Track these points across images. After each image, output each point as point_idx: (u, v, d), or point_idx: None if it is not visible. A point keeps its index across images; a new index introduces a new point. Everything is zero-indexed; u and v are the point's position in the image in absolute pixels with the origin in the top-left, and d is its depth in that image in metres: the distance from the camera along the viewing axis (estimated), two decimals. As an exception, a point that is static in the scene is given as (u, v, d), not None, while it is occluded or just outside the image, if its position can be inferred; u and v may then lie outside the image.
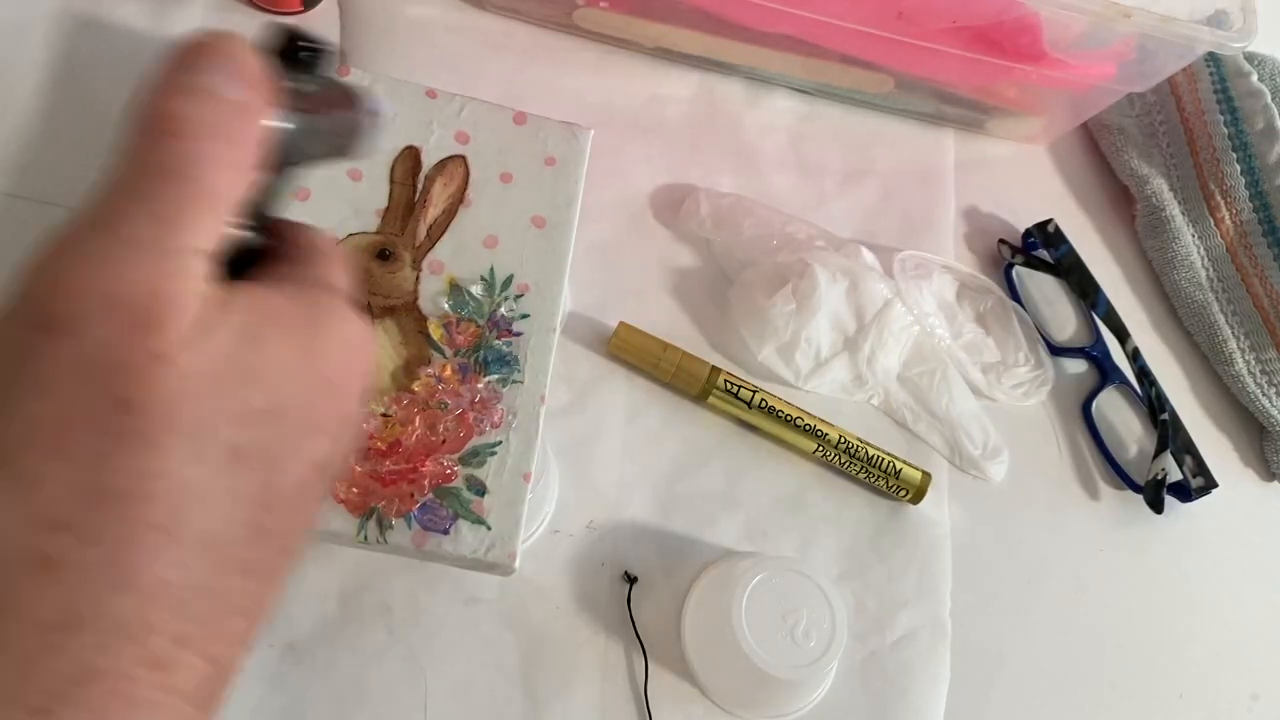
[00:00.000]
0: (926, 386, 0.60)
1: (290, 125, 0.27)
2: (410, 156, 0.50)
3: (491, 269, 0.49)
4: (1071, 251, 0.66)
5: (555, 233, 0.50)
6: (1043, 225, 0.66)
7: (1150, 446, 0.63)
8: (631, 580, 0.51)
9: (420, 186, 0.50)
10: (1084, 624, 0.58)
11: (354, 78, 0.51)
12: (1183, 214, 0.69)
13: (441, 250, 0.49)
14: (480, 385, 0.46)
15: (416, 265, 0.48)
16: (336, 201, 0.48)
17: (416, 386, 0.46)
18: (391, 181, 0.49)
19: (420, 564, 0.48)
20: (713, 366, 0.56)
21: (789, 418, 0.56)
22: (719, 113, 0.66)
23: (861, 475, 0.56)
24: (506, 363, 0.47)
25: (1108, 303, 0.65)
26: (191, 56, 0.25)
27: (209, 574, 0.24)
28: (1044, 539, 0.60)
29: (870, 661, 0.53)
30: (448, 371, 0.46)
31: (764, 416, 0.56)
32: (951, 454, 0.59)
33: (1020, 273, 0.66)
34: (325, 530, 0.42)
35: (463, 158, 0.51)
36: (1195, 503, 0.61)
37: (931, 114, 0.69)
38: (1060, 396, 0.64)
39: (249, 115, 0.25)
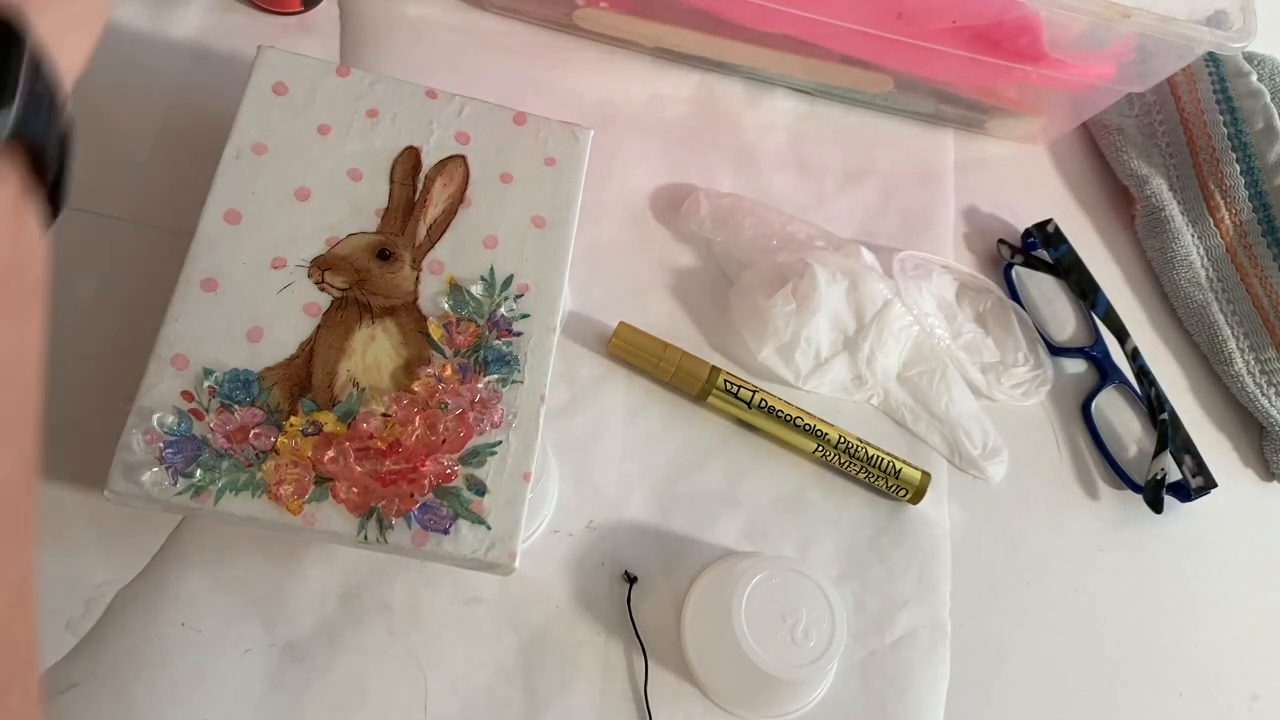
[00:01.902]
0: (926, 386, 0.60)
1: None
2: (410, 156, 0.50)
3: (491, 269, 0.49)
4: (1071, 251, 0.66)
5: (555, 233, 0.50)
6: (1042, 225, 0.66)
7: (1150, 446, 0.63)
8: (631, 580, 0.51)
9: (420, 186, 0.50)
10: (1084, 624, 0.58)
11: (354, 78, 0.51)
12: (1182, 214, 0.69)
13: (441, 250, 0.49)
14: (480, 385, 0.46)
15: (416, 265, 0.48)
16: (337, 201, 0.48)
17: (416, 386, 0.46)
18: (391, 181, 0.49)
19: (420, 564, 0.48)
20: (713, 366, 0.56)
21: (789, 417, 0.56)
22: (719, 113, 0.66)
23: (861, 475, 0.56)
24: (506, 363, 0.47)
25: (1107, 303, 0.65)
26: None
27: None
28: (1044, 539, 0.59)
29: (870, 661, 0.53)
30: (448, 371, 0.46)
31: (764, 416, 0.56)
32: (951, 454, 0.59)
33: (1020, 273, 0.66)
34: (325, 530, 0.42)
35: (463, 158, 0.51)
36: (1195, 503, 0.61)
37: (931, 114, 0.69)
38: (1060, 396, 0.64)
39: None
